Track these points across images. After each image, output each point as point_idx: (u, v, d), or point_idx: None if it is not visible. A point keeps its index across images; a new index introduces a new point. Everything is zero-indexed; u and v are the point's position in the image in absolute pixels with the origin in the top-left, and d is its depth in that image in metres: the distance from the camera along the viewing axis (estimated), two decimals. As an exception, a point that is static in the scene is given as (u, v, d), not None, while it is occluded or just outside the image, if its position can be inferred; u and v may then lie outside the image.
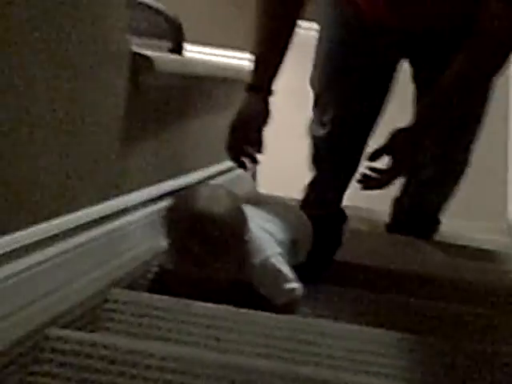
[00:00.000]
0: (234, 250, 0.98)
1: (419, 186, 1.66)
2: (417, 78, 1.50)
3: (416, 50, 1.44)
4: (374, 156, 1.20)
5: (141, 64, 1.07)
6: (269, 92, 1.24)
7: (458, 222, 1.95)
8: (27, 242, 0.78)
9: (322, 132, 1.59)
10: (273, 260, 1.01)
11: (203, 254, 0.94)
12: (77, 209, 0.94)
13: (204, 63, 1.78)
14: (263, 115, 1.23)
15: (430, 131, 1.23)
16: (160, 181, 1.30)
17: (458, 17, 1.25)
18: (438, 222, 1.74)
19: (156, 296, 0.90)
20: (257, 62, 1.24)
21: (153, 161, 1.26)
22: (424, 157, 1.45)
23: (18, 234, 0.76)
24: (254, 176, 2.23)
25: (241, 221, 1.00)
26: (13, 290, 0.74)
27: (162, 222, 0.99)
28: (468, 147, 1.56)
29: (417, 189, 1.67)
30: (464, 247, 1.67)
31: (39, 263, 0.81)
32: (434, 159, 1.54)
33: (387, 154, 1.19)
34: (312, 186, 1.68)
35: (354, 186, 1.48)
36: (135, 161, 1.16)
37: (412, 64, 1.50)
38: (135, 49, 1.07)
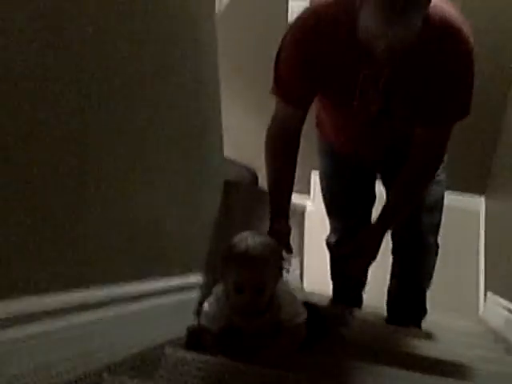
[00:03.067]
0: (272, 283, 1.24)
1: (402, 270, 1.97)
2: (385, 186, 1.83)
3: (380, 169, 1.86)
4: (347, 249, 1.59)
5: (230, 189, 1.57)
6: (287, 216, 1.52)
7: (437, 313, 2.26)
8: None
9: (332, 240, 2.04)
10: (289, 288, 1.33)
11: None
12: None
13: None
14: (287, 232, 1.52)
15: (385, 230, 1.57)
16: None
17: (406, 145, 1.54)
18: (425, 311, 2.05)
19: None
20: (273, 199, 1.52)
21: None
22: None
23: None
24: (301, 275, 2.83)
25: (279, 254, 1.30)
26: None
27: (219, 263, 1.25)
28: (434, 230, 1.87)
29: (400, 274, 1.98)
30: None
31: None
32: (406, 243, 1.87)
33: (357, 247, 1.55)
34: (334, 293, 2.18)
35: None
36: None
37: (381, 176, 1.90)
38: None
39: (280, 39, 1.45)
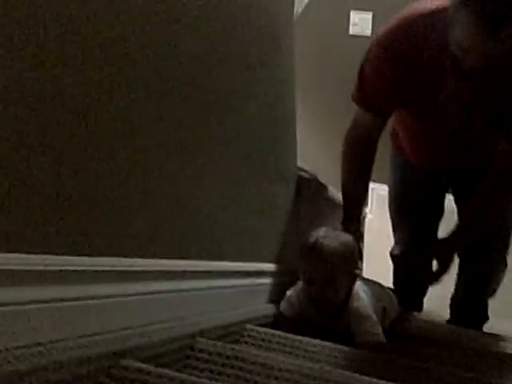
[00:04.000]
0: (344, 279, 1.31)
1: (467, 284, 1.98)
2: (457, 200, 1.85)
3: (455, 182, 1.83)
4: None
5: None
6: (358, 221, 1.58)
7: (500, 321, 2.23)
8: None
9: (396, 252, 1.98)
10: (366, 308, 1.34)
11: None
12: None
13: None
14: (359, 235, 1.57)
15: (462, 243, 1.61)
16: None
17: (484, 158, 1.55)
18: (486, 318, 2.06)
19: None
20: (346, 202, 1.58)
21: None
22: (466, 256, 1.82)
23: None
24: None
25: (353, 254, 1.36)
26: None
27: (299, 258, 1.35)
28: (503, 249, 1.87)
29: (465, 287, 2.01)
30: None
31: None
32: (474, 259, 1.86)
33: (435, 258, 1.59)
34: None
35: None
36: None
37: (453, 189, 1.88)
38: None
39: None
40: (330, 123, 3.29)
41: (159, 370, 0.80)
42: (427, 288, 2.17)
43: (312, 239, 1.33)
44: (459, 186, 1.84)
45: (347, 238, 1.37)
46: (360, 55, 1.47)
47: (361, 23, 3.49)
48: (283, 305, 1.43)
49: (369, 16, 3.47)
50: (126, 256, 0.87)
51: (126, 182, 0.86)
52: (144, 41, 0.86)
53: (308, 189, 1.73)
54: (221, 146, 1.20)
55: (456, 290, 2.03)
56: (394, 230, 2.03)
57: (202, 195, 1.13)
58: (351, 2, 3.53)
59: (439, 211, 1.97)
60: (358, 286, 1.39)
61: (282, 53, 1.55)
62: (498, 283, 1.95)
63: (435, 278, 1.59)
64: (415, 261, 1.68)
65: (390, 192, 1.98)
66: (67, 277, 0.74)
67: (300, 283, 1.39)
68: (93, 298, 0.78)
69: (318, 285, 1.29)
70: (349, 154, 1.57)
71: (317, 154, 3.27)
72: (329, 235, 1.34)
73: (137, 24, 0.83)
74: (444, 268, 1.57)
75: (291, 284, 1.49)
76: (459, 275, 1.98)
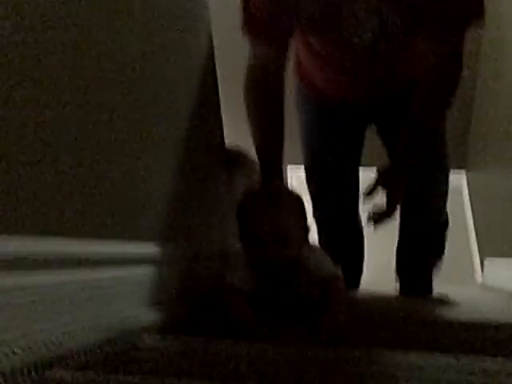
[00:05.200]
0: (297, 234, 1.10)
1: (410, 244, 1.79)
2: (382, 132, 1.65)
3: (377, 115, 1.61)
4: (370, 192, 1.35)
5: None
6: (281, 178, 1.30)
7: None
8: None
9: (319, 215, 1.76)
10: (321, 253, 1.17)
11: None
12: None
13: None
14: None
15: (407, 169, 1.37)
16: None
17: (407, 78, 1.40)
18: (431, 287, 1.88)
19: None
20: (263, 155, 1.28)
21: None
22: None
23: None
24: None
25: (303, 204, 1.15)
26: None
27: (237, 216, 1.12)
28: (442, 197, 1.71)
29: (409, 248, 1.80)
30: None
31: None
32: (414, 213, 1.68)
33: (382, 186, 1.35)
34: None
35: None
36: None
37: (376, 123, 1.66)
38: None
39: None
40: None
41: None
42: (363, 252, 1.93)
43: (253, 192, 1.12)
44: (385, 123, 1.62)
45: (291, 188, 1.17)
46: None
47: None
48: (232, 275, 1.12)
49: None
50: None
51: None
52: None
53: (238, 163, 1.57)
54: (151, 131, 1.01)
55: (400, 254, 1.85)
56: (312, 190, 1.73)
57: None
58: None
59: (357, 150, 1.73)
60: None
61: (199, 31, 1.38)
62: (443, 242, 1.81)
63: (387, 214, 1.37)
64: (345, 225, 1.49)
65: (302, 140, 1.69)
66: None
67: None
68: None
69: (269, 245, 1.05)
70: (257, 103, 1.27)
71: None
72: (273, 185, 1.15)
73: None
74: (395, 198, 1.37)
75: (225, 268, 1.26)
76: (400, 239, 1.81)
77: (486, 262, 2.79)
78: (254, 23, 1.21)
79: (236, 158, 1.57)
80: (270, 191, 1.14)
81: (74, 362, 0.66)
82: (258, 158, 1.27)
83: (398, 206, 1.39)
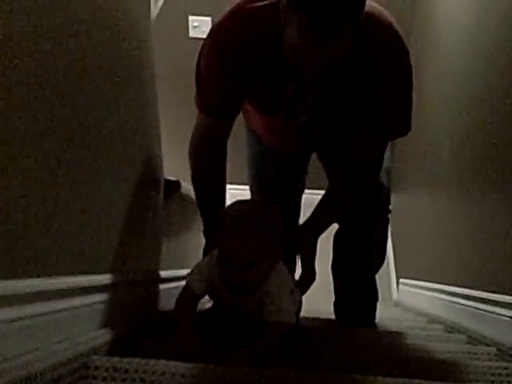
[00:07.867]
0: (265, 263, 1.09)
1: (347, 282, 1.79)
2: (322, 158, 1.75)
3: (316, 148, 1.72)
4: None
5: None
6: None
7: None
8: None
9: None
10: (284, 284, 1.14)
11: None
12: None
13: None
14: None
15: (321, 232, 1.39)
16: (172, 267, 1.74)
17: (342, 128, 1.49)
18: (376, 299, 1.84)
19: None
20: (205, 210, 1.42)
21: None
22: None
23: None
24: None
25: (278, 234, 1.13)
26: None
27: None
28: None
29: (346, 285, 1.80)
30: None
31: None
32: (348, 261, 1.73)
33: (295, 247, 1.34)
34: None
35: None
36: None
37: (316, 151, 1.76)
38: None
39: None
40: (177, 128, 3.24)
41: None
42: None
43: (230, 212, 1.11)
44: (323, 149, 1.72)
45: (269, 211, 1.15)
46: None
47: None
48: (191, 276, 1.17)
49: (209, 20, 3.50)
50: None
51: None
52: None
53: (176, 192, 1.69)
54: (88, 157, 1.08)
55: (339, 293, 1.80)
56: None
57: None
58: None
59: (299, 187, 1.87)
60: None
61: (143, 62, 1.47)
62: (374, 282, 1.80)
63: (307, 277, 1.32)
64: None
65: (248, 169, 1.84)
66: None
67: (213, 254, 1.16)
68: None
69: (235, 268, 1.06)
70: (199, 167, 1.42)
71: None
72: (251, 208, 1.15)
73: None
74: (308, 257, 1.33)
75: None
76: (337, 276, 1.78)
77: (401, 282, 3.06)
78: (203, 101, 1.34)
79: (173, 187, 1.68)
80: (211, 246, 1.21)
81: (36, 382, 0.78)
82: (202, 213, 1.41)
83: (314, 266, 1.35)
